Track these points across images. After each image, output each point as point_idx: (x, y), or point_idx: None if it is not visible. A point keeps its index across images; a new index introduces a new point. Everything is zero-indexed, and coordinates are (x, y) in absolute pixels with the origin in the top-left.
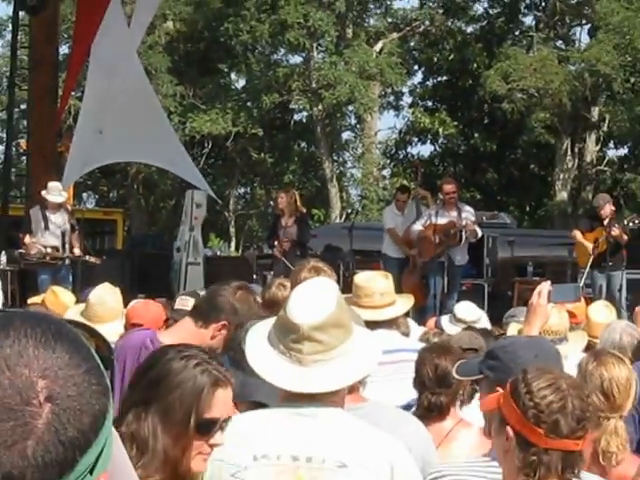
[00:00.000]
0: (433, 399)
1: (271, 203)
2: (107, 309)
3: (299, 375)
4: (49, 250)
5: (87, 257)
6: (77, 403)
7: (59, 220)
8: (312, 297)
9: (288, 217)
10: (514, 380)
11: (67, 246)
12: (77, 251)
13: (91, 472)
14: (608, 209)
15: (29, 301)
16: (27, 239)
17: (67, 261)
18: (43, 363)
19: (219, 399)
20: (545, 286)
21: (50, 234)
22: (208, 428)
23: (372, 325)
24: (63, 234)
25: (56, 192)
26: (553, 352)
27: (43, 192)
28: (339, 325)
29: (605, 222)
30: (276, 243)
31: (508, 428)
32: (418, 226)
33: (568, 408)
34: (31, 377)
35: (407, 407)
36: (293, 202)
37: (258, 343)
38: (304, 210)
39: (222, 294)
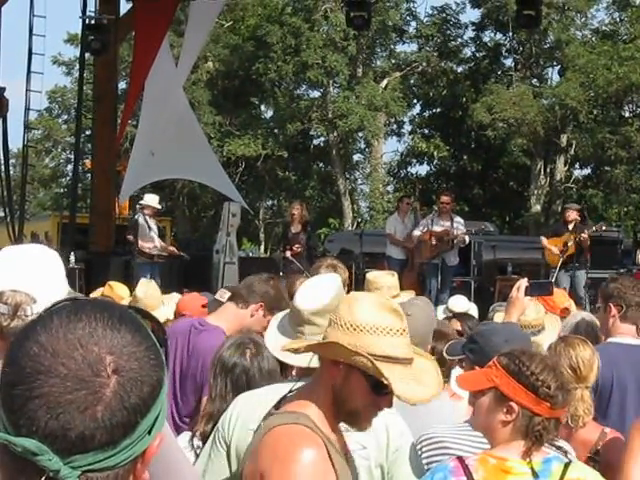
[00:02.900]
0: None
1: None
2: (152, 299)
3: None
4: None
5: (182, 254)
6: (138, 375)
7: (155, 225)
8: (314, 289)
9: (297, 225)
10: (509, 364)
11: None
12: (173, 249)
13: (149, 432)
14: (572, 215)
15: (92, 294)
16: (140, 242)
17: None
18: (110, 342)
19: None
20: (523, 282)
21: (154, 236)
22: None
23: None
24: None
25: (155, 201)
26: (521, 335)
27: (146, 202)
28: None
29: (570, 227)
30: (293, 247)
31: (513, 404)
32: (417, 232)
33: (564, 385)
34: (100, 353)
35: None
36: (304, 212)
37: (272, 331)
38: (308, 218)
39: (259, 282)
